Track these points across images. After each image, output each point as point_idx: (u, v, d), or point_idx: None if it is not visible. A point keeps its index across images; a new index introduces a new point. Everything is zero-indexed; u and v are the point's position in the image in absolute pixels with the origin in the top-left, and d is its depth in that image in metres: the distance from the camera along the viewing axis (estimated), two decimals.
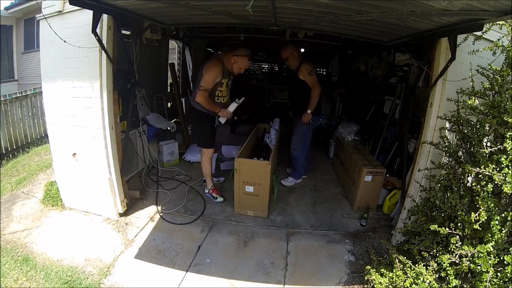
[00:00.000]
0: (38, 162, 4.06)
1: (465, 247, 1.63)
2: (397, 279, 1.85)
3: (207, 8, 1.98)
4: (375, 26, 2.12)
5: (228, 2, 1.86)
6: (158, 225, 2.68)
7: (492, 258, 1.54)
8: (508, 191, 1.51)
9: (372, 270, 2.01)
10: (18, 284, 1.99)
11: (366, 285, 2.03)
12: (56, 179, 2.95)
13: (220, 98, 2.84)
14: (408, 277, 1.82)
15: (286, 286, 2.08)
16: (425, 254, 1.87)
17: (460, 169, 1.82)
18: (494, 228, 1.54)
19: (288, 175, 3.59)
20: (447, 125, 2.09)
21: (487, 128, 1.73)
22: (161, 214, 2.82)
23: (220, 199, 3.12)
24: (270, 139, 3.54)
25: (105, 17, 2.20)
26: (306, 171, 3.68)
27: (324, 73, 7.70)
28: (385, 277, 1.91)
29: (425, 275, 1.74)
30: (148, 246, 2.40)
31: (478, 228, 1.60)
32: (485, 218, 1.57)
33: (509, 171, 1.54)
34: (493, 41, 1.91)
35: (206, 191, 3.20)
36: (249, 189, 2.76)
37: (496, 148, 1.63)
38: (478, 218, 1.59)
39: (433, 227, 1.78)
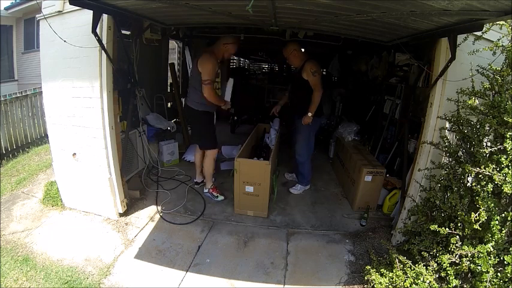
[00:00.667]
0: (38, 162, 4.06)
1: (465, 247, 1.63)
2: (397, 279, 1.85)
3: (207, 8, 1.98)
4: (375, 26, 2.12)
5: (228, 2, 1.86)
6: (158, 225, 2.68)
7: (492, 258, 1.54)
8: (508, 191, 1.51)
9: (372, 270, 2.01)
10: (18, 284, 1.99)
11: (366, 285, 2.03)
12: (56, 179, 2.95)
13: (217, 90, 2.88)
14: (408, 277, 1.82)
15: (286, 286, 2.08)
16: (425, 254, 1.87)
17: (460, 169, 1.82)
18: (494, 228, 1.54)
19: (296, 182, 3.42)
20: (447, 125, 2.09)
21: (487, 128, 1.73)
22: (161, 214, 2.82)
23: (221, 197, 3.13)
24: (270, 139, 3.54)
25: (105, 17, 2.20)
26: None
27: (324, 73, 7.70)
28: (385, 277, 1.91)
29: (425, 275, 1.74)
30: (148, 246, 2.40)
31: (478, 228, 1.60)
32: (485, 218, 1.57)
33: (509, 171, 1.54)
34: (493, 41, 1.91)
35: (206, 190, 3.20)
36: (249, 189, 2.76)
37: (496, 148, 1.63)
38: (478, 218, 1.59)
39: (433, 227, 1.78)
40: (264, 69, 12.01)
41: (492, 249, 1.56)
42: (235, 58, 10.50)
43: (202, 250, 2.38)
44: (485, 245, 1.58)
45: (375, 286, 1.91)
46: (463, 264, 1.62)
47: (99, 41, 2.15)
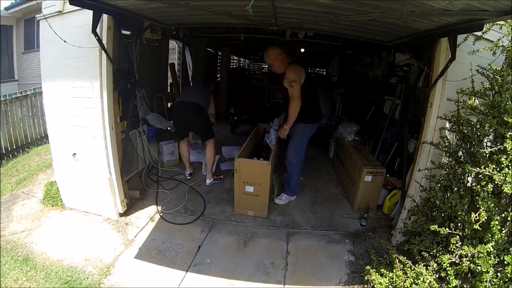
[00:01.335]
0: (38, 162, 4.06)
1: (465, 247, 1.63)
2: (397, 279, 1.85)
3: (207, 8, 1.98)
4: (375, 26, 2.12)
5: (228, 2, 1.86)
6: (158, 225, 2.68)
7: (492, 258, 1.54)
8: (508, 191, 1.51)
9: (372, 270, 2.00)
10: (18, 284, 1.99)
11: (366, 285, 2.03)
12: (56, 179, 2.95)
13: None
14: (408, 277, 1.82)
15: (286, 286, 2.08)
16: (425, 254, 1.87)
17: (460, 169, 1.82)
18: (494, 228, 1.54)
19: (281, 192, 3.19)
20: (447, 125, 2.09)
21: (487, 128, 1.73)
22: (161, 214, 2.82)
23: (221, 177, 3.52)
24: (270, 139, 3.53)
25: (105, 17, 2.20)
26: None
27: (324, 73, 7.69)
28: (385, 277, 1.91)
29: (425, 275, 1.74)
30: (148, 246, 2.40)
31: (478, 228, 1.60)
32: (485, 218, 1.57)
33: (509, 171, 1.54)
34: (493, 41, 1.91)
35: (210, 180, 3.41)
36: (249, 189, 2.76)
37: (496, 148, 1.63)
38: (478, 218, 1.59)
39: (433, 227, 1.78)
40: (264, 69, 12.02)
41: (492, 249, 1.56)
42: (235, 58, 10.51)
43: (202, 250, 2.38)
44: (485, 245, 1.57)
45: (375, 286, 1.91)
46: (463, 264, 1.62)
47: (99, 41, 2.15)
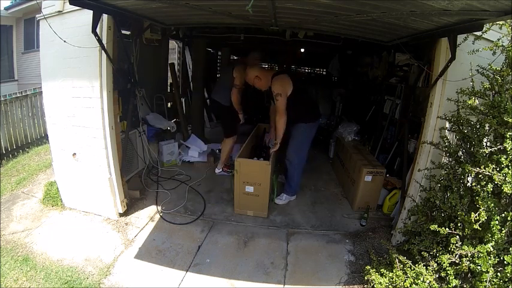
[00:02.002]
0: (38, 162, 4.06)
1: (465, 247, 1.63)
2: (397, 279, 1.85)
3: (207, 8, 1.98)
4: (375, 26, 2.12)
5: (228, 2, 1.86)
6: (158, 225, 2.68)
7: (492, 258, 1.54)
8: (508, 191, 1.51)
9: (371, 270, 2.01)
10: (18, 284, 1.99)
11: (366, 285, 2.03)
12: (56, 179, 2.95)
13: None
14: (408, 277, 1.82)
15: (286, 286, 2.08)
16: (425, 254, 1.87)
17: (460, 169, 1.82)
18: (494, 228, 1.54)
19: (282, 192, 3.16)
20: (447, 125, 2.09)
21: (487, 128, 1.73)
22: (161, 214, 2.82)
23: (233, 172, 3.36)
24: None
25: (105, 17, 2.20)
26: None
27: (324, 73, 7.70)
28: (385, 277, 1.91)
29: (425, 275, 1.74)
30: (148, 246, 2.40)
31: (478, 228, 1.60)
32: (485, 218, 1.57)
33: (509, 171, 1.54)
34: (493, 41, 1.90)
35: (218, 170, 3.60)
36: (249, 189, 2.76)
37: (496, 148, 1.63)
38: (478, 218, 1.59)
39: (433, 227, 1.78)
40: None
41: (492, 249, 1.56)
42: (235, 58, 10.49)
43: (202, 250, 2.38)
44: (485, 245, 1.57)
45: (375, 286, 1.91)
46: (463, 264, 1.62)
47: (99, 41, 2.15)
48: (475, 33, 1.89)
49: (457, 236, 1.74)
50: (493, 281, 1.51)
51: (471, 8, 1.41)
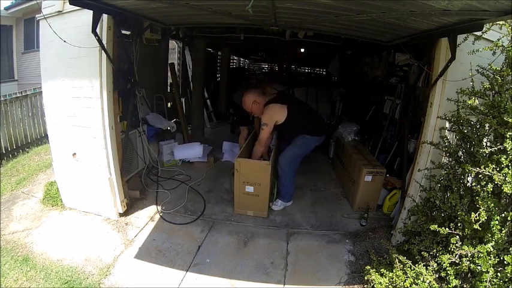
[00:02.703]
0: (38, 162, 4.06)
1: (465, 247, 1.63)
2: (397, 279, 1.85)
3: (207, 8, 1.98)
4: (375, 26, 2.12)
5: (228, 2, 1.86)
6: (158, 225, 2.68)
7: (492, 258, 1.54)
8: (508, 191, 1.51)
9: (371, 270, 2.01)
10: (18, 284, 1.99)
11: (365, 285, 2.03)
12: (56, 179, 2.95)
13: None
14: (408, 277, 1.82)
15: (286, 286, 2.08)
16: (425, 254, 1.87)
17: (460, 169, 1.82)
18: (494, 228, 1.54)
19: (277, 198, 3.07)
20: (447, 125, 2.09)
21: (487, 128, 1.73)
22: (161, 214, 2.82)
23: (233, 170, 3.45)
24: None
25: (105, 17, 2.20)
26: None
27: (324, 73, 7.69)
28: (385, 277, 1.91)
29: (425, 275, 1.74)
30: (148, 246, 2.40)
31: (478, 228, 1.60)
32: (485, 218, 1.57)
33: (509, 171, 1.54)
34: (493, 41, 1.90)
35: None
36: (249, 189, 2.76)
37: (496, 148, 1.63)
38: (478, 218, 1.59)
39: (433, 227, 1.78)
40: (264, 69, 12.03)
41: (492, 249, 1.56)
42: (235, 58, 10.52)
43: (202, 250, 2.38)
44: (485, 245, 1.57)
45: (375, 286, 1.91)
46: (463, 264, 1.62)
47: (99, 41, 2.15)
48: (475, 33, 1.89)
49: (457, 236, 1.74)
50: (493, 281, 1.51)
51: (471, 8, 1.41)
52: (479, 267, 1.54)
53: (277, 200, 3.06)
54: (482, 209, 1.57)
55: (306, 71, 11.43)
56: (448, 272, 1.67)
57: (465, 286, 1.68)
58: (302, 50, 5.94)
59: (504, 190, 1.53)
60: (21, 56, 8.98)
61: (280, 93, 3.06)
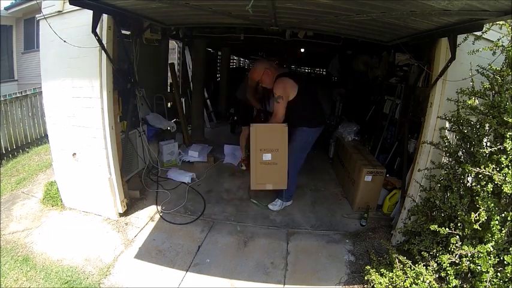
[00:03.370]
0: (38, 162, 4.06)
1: (465, 247, 1.63)
2: (397, 279, 1.85)
3: (207, 8, 1.98)
4: (375, 26, 2.12)
5: (228, 2, 1.86)
6: (158, 225, 2.68)
7: (492, 258, 1.54)
8: (508, 191, 1.51)
9: (371, 270, 2.01)
10: (18, 284, 1.99)
11: (365, 285, 2.03)
12: (56, 179, 2.95)
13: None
14: (408, 277, 1.82)
15: (286, 286, 2.08)
16: (425, 254, 1.87)
17: (460, 169, 1.82)
18: (494, 228, 1.54)
19: (276, 197, 3.02)
20: (447, 125, 2.09)
21: (487, 128, 1.73)
22: (161, 214, 2.82)
23: (244, 167, 3.56)
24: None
25: (105, 17, 2.20)
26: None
27: (324, 73, 7.69)
28: (385, 277, 1.91)
29: (425, 275, 1.74)
30: (148, 246, 2.40)
31: (478, 228, 1.60)
32: (485, 218, 1.57)
33: (509, 171, 1.54)
34: (493, 41, 1.90)
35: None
36: (267, 157, 2.60)
37: (496, 148, 1.63)
38: (478, 218, 1.59)
39: (433, 227, 1.78)
40: None
41: (492, 249, 1.56)
42: (235, 58, 10.52)
43: (202, 250, 2.38)
44: (485, 245, 1.58)
45: (375, 286, 1.91)
46: (463, 264, 1.62)
47: (99, 41, 2.15)
48: (475, 33, 1.89)
49: (457, 236, 1.74)
50: (493, 281, 1.51)
51: (471, 8, 1.41)
52: (479, 267, 1.54)
53: (276, 200, 3.02)
54: (482, 209, 1.57)
55: (306, 71, 11.43)
56: (448, 272, 1.67)
57: (465, 286, 1.68)
58: (302, 50, 5.93)
59: (504, 190, 1.53)
60: (21, 56, 8.98)
61: (291, 73, 2.96)
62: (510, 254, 1.52)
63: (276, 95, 2.60)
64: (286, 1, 1.69)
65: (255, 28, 3.53)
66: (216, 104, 6.66)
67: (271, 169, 2.66)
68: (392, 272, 1.92)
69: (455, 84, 1.96)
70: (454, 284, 1.64)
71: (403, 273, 1.87)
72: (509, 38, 1.88)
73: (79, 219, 2.72)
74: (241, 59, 11.41)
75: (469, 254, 1.62)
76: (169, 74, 4.83)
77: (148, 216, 2.79)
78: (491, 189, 1.59)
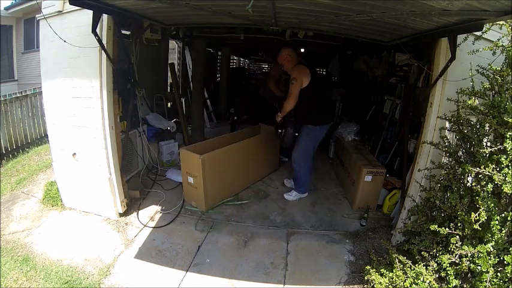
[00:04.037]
0: (38, 162, 4.06)
1: (465, 247, 1.63)
2: (397, 279, 1.85)
3: (207, 8, 1.98)
4: (375, 26, 2.12)
5: (228, 2, 1.86)
6: (158, 225, 2.67)
7: (492, 258, 1.54)
8: (508, 191, 1.51)
9: (371, 270, 2.00)
10: (18, 284, 1.99)
11: (365, 285, 2.03)
12: (56, 179, 2.95)
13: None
14: (408, 277, 1.82)
15: (286, 286, 2.08)
16: (425, 254, 1.87)
17: (460, 169, 1.82)
18: (494, 228, 1.54)
19: (292, 189, 3.26)
20: (447, 125, 2.09)
21: (487, 128, 1.73)
22: (161, 214, 2.82)
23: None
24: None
25: (105, 17, 2.20)
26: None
27: (324, 73, 7.70)
28: (385, 277, 1.91)
29: (425, 275, 1.74)
30: (148, 246, 2.40)
31: (478, 228, 1.60)
32: (485, 218, 1.57)
33: (509, 171, 1.54)
34: (493, 41, 1.90)
35: None
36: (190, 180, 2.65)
37: (496, 148, 1.63)
38: (478, 218, 1.59)
39: (433, 227, 1.78)
40: (264, 69, 12.03)
41: (492, 249, 1.56)
42: (235, 58, 10.52)
43: (202, 250, 2.38)
44: (485, 245, 1.58)
45: (375, 286, 1.91)
46: (463, 264, 1.62)
47: (99, 41, 2.15)
48: (475, 33, 1.89)
49: (457, 236, 1.74)
50: (493, 281, 1.51)
51: (471, 8, 1.41)
52: (479, 267, 1.54)
53: (292, 191, 3.22)
54: (482, 209, 1.57)
55: None
56: (448, 272, 1.67)
57: (465, 286, 1.68)
58: (302, 50, 5.93)
59: (504, 190, 1.53)
60: (21, 56, 8.97)
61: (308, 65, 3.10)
62: (510, 254, 1.52)
63: (292, 76, 2.82)
64: (286, 1, 1.69)
65: (255, 28, 3.53)
66: (216, 104, 6.66)
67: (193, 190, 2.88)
68: (392, 272, 1.92)
69: (455, 84, 1.96)
70: (454, 284, 1.64)
71: (403, 273, 1.87)
72: (509, 38, 1.88)
73: (79, 219, 2.72)
74: (241, 59, 11.41)
75: (469, 254, 1.62)
76: (169, 74, 4.83)
77: (148, 216, 2.79)
78: (491, 189, 1.58)
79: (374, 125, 4.18)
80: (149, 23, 3.05)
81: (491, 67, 1.78)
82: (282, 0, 1.67)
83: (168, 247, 2.39)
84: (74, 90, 2.48)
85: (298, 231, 2.68)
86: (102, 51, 2.25)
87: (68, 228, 2.60)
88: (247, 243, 2.48)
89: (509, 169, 1.55)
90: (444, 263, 1.67)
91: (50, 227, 2.61)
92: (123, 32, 2.67)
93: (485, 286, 1.52)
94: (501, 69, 1.75)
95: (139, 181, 3.33)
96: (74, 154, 2.67)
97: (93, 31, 2.07)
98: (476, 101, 1.81)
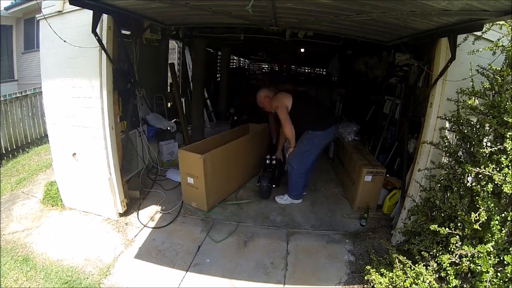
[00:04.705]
0: (38, 162, 4.06)
1: (465, 247, 1.63)
2: (397, 279, 1.85)
3: (207, 8, 1.98)
4: (375, 26, 2.12)
5: (228, 2, 1.86)
6: (158, 225, 2.67)
7: (492, 258, 1.54)
8: (508, 191, 1.51)
9: (371, 270, 2.00)
10: (18, 284, 1.99)
11: (365, 285, 2.03)
12: (56, 179, 2.95)
13: None
14: (408, 277, 1.82)
15: (286, 286, 2.08)
16: (425, 254, 1.87)
17: (460, 169, 1.82)
18: (494, 228, 1.54)
19: (285, 192, 3.16)
20: (447, 125, 2.09)
21: (487, 128, 1.73)
22: (161, 214, 2.82)
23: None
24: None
25: (105, 17, 2.20)
26: (304, 186, 3.19)
27: (324, 73, 7.70)
28: (385, 277, 1.91)
29: (425, 275, 1.74)
30: (148, 246, 2.40)
31: (478, 228, 1.60)
32: (485, 218, 1.57)
33: (509, 171, 1.54)
34: (493, 41, 1.90)
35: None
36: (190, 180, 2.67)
37: (496, 148, 1.63)
38: (478, 218, 1.59)
39: (433, 227, 1.78)
40: (264, 69, 12.04)
41: (492, 249, 1.56)
42: (235, 58, 10.52)
43: (202, 250, 2.38)
44: (485, 245, 1.57)
45: (375, 286, 1.91)
46: (463, 264, 1.62)
47: (99, 41, 2.15)
48: (475, 33, 1.89)
49: (457, 236, 1.74)
50: (493, 281, 1.51)
51: (471, 8, 1.41)
52: (479, 267, 1.54)
53: (284, 194, 3.16)
54: (482, 209, 1.57)
55: (306, 71, 11.43)
56: (448, 272, 1.67)
57: (465, 286, 1.68)
58: (302, 50, 5.94)
59: (504, 190, 1.53)
60: (21, 56, 8.97)
61: (288, 90, 3.17)
62: (510, 254, 1.52)
63: (274, 105, 2.95)
64: (286, 1, 1.69)
65: (255, 28, 3.53)
66: (216, 104, 6.66)
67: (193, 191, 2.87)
68: (392, 272, 1.92)
69: (455, 84, 1.96)
70: (454, 284, 1.64)
71: (403, 273, 1.87)
72: (509, 38, 1.88)
73: (79, 219, 2.72)
74: (241, 59, 11.41)
75: (469, 254, 1.62)
76: (169, 74, 4.83)
77: (148, 216, 2.79)
78: (491, 189, 1.58)
79: (374, 125, 4.18)
80: (149, 23, 3.06)
81: (491, 67, 1.78)
82: (282, 0, 1.67)
83: (168, 247, 2.39)
84: (74, 90, 2.49)
85: (298, 231, 2.68)
86: (102, 51, 2.25)
87: (68, 228, 2.60)
88: (247, 243, 2.48)
89: (509, 169, 1.55)
90: (444, 263, 1.67)
91: (50, 227, 2.61)
92: (123, 32, 2.67)
93: (485, 286, 1.52)
94: (501, 69, 1.75)
95: (139, 181, 3.33)
96: (74, 154, 2.67)
97: (93, 31, 2.07)
98: (476, 101, 1.81)
